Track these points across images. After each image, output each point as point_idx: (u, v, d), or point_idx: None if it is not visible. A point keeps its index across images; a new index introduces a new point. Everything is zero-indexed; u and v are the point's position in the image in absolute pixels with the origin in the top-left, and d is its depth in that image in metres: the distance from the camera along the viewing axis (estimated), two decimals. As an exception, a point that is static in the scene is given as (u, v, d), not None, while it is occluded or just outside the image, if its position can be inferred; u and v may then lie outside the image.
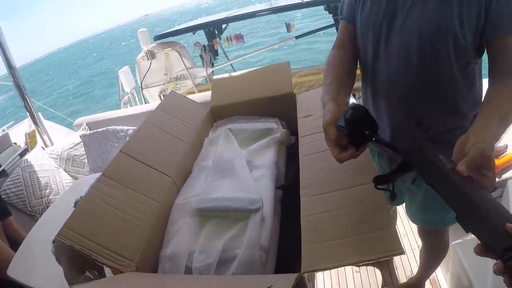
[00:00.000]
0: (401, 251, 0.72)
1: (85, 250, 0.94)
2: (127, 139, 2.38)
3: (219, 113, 1.71)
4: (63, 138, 2.94)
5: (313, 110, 1.41)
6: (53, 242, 1.27)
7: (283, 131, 1.49)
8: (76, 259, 1.04)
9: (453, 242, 1.50)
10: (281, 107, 1.60)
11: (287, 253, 1.05)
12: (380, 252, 0.74)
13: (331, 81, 0.98)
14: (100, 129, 2.54)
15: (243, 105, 1.65)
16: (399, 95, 1.03)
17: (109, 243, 0.97)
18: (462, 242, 1.49)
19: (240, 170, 1.27)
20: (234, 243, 1.00)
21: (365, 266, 1.86)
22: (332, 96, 0.91)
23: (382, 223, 0.79)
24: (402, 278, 1.78)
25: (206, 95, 2.31)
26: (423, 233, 1.41)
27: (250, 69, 2.54)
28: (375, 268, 1.84)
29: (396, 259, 1.87)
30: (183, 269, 0.98)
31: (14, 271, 1.49)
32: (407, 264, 1.84)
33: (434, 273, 1.69)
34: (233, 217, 1.08)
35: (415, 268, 1.80)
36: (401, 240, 0.74)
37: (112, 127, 2.49)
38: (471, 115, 1.03)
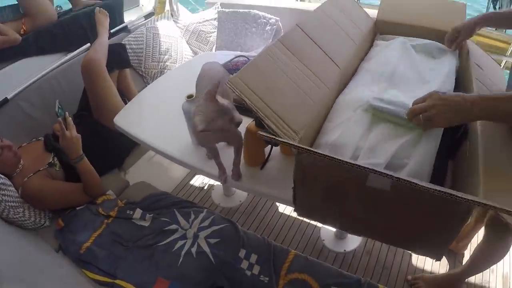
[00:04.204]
0: None
1: (253, 106, 0.87)
2: (267, 28, 2.28)
3: (382, 28, 1.60)
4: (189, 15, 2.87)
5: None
6: (188, 97, 1.25)
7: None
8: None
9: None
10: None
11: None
12: None
13: None
14: (241, 10, 2.39)
15: (408, 28, 1.52)
16: None
17: (279, 110, 0.90)
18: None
19: (414, 81, 1.16)
20: (404, 153, 0.92)
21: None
22: None
23: None
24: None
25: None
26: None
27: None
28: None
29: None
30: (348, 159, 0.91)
31: (120, 120, 1.57)
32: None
33: (507, 270, 1.62)
34: (407, 126, 0.98)
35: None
36: None
37: (255, 11, 2.33)
38: None
